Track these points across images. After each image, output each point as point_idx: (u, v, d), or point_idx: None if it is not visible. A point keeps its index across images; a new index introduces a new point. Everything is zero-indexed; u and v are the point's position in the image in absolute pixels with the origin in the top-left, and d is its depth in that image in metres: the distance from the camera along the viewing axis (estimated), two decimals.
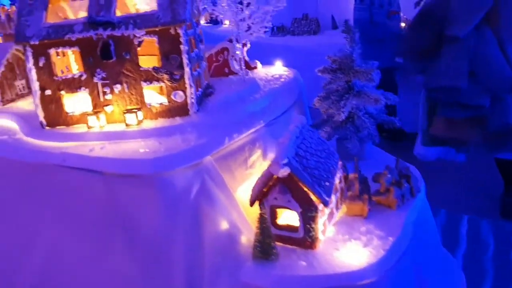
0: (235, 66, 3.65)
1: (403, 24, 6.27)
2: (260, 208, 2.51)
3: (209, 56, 3.70)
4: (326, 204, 2.43)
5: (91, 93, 2.91)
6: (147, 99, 2.92)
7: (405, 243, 2.55)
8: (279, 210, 2.53)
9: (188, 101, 2.89)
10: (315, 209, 2.42)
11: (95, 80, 2.86)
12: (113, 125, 2.92)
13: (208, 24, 11.23)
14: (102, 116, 2.90)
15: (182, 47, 2.78)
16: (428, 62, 4.42)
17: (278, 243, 2.47)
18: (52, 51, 2.85)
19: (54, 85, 2.91)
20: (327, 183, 2.51)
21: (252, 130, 2.89)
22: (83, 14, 3.14)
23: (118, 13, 2.84)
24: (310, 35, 10.12)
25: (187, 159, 2.52)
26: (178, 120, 2.89)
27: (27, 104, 3.57)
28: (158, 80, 2.86)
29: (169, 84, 2.86)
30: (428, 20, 4.50)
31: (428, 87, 4.45)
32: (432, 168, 3.62)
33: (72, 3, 3.23)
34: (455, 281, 3.27)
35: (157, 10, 2.75)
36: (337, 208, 2.71)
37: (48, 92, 2.91)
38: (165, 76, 2.84)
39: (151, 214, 2.50)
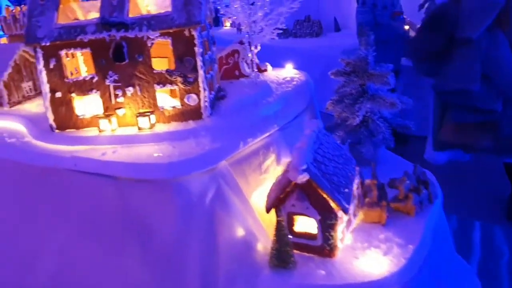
0: (246, 69, 3.59)
1: (406, 27, 6.23)
2: (277, 214, 2.44)
3: (219, 58, 3.64)
4: (346, 211, 2.37)
5: (102, 96, 2.84)
6: (159, 102, 2.86)
7: (425, 251, 2.50)
8: (296, 217, 2.47)
9: (202, 104, 2.83)
10: (335, 216, 2.37)
11: (107, 82, 2.80)
12: (125, 128, 2.86)
13: None
14: (113, 119, 2.83)
15: (196, 49, 2.72)
16: (438, 64, 4.37)
17: (295, 251, 2.41)
18: (63, 53, 2.79)
19: (65, 87, 2.84)
20: (346, 190, 2.46)
21: (266, 134, 2.84)
22: (93, 15, 3.09)
23: (130, 14, 2.78)
24: (312, 37, 10.07)
25: (203, 164, 2.46)
26: (191, 124, 2.83)
27: (34, 106, 3.50)
28: (171, 83, 2.80)
29: (183, 87, 2.81)
30: (438, 22, 4.45)
31: (440, 90, 4.39)
32: (440, 173, 3.57)
33: (82, 4, 3.18)
34: None
35: (171, 11, 2.69)
36: (354, 215, 2.65)
37: (58, 94, 2.85)
38: (179, 79, 2.78)
39: (165, 220, 2.44)
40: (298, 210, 2.41)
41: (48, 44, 2.72)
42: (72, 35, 2.70)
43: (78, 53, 3.01)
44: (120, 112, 2.86)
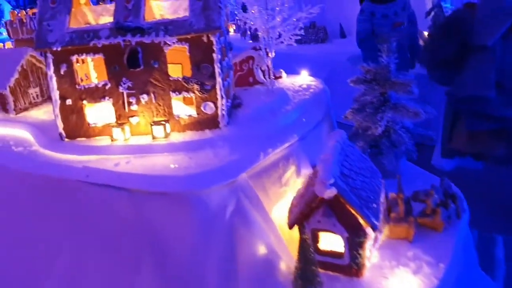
0: (261, 76, 3.47)
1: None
2: (301, 231, 2.31)
3: (233, 65, 3.51)
4: (375, 228, 2.24)
5: (115, 103, 2.72)
6: (175, 111, 2.73)
7: (456, 270, 2.36)
8: (321, 234, 2.33)
9: (219, 113, 2.70)
10: (364, 234, 2.23)
11: (121, 89, 2.67)
12: (139, 137, 2.73)
13: None
14: (126, 128, 2.70)
15: (214, 55, 2.60)
16: (452, 72, 4.28)
17: (319, 270, 2.27)
18: (75, 58, 2.66)
19: (76, 94, 2.72)
20: (374, 205, 2.33)
21: (286, 144, 2.70)
22: (105, 19, 2.97)
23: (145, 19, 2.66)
24: (318, 43, 9.96)
25: (222, 176, 2.33)
26: (207, 133, 2.70)
27: (41, 113, 3.37)
28: (187, 90, 2.67)
29: (199, 95, 2.68)
30: (452, 29, 4.35)
31: (455, 96, 4.29)
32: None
33: (94, 7, 3.05)
34: None
35: (189, 16, 2.57)
36: (380, 231, 2.51)
37: (69, 101, 2.72)
38: (196, 87, 2.65)
39: (182, 235, 2.30)
40: (324, 226, 2.28)
41: (59, 49, 2.59)
42: (85, 40, 2.57)
43: (89, 58, 2.87)
44: (133, 120, 2.73)
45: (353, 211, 2.22)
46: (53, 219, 2.63)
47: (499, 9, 4.16)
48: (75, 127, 2.77)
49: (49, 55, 2.63)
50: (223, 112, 2.69)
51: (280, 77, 3.73)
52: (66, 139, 2.79)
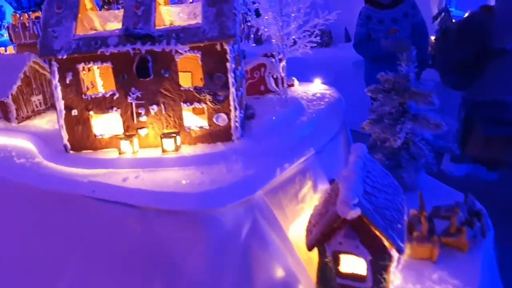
0: (273, 84, 3.34)
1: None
2: (321, 253, 2.18)
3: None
4: (401, 251, 2.10)
5: (123, 114, 2.58)
6: (186, 122, 2.60)
7: None
8: (342, 256, 2.19)
9: (232, 125, 2.57)
10: (389, 257, 2.10)
11: (129, 99, 2.54)
12: (147, 150, 2.60)
13: None
14: (135, 140, 2.57)
15: (228, 65, 2.47)
16: (468, 77, 4.17)
17: None
18: (81, 67, 2.53)
19: (82, 104, 2.58)
20: (399, 226, 2.19)
21: (303, 158, 2.57)
22: (112, 25, 2.85)
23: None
24: (322, 47, 9.82)
25: (238, 194, 2.20)
26: (220, 147, 2.56)
27: (45, 122, 3.24)
28: (199, 101, 2.54)
29: (211, 106, 2.55)
30: (469, 33, 4.23)
31: (471, 101, 4.19)
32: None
33: (101, 13, 2.92)
34: None
35: (202, 23, 2.43)
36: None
37: (74, 112, 2.59)
38: (208, 97, 2.52)
39: (195, 257, 2.17)
40: (346, 248, 2.14)
41: (65, 57, 2.46)
42: (92, 48, 2.44)
43: (94, 66, 2.74)
44: (142, 132, 2.60)
45: (377, 233, 2.09)
46: (57, 235, 2.51)
47: None
48: (81, 139, 2.63)
49: (54, 63, 2.50)
50: (237, 124, 2.56)
51: (292, 85, 3.60)
52: (71, 151, 2.66)
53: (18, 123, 3.24)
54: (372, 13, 4.63)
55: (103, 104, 2.57)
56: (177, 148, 2.53)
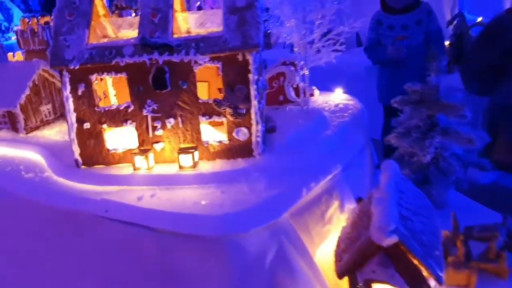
0: (292, 94, 3.18)
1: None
2: (352, 282, 2.02)
3: None
4: (440, 281, 1.93)
5: (138, 128, 2.43)
6: (204, 136, 2.44)
7: None
8: (376, 285, 2.02)
9: (253, 139, 2.41)
10: (426, 287, 1.92)
11: (145, 112, 2.39)
12: (163, 166, 2.44)
13: None
14: (150, 155, 2.42)
15: (250, 76, 2.31)
16: (493, 82, 3.99)
17: None
18: (94, 77, 2.38)
19: (95, 117, 2.44)
20: (437, 252, 2.02)
21: (329, 176, 2.40)
22: (126, 33, 2.70)
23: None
24: (333, 52, 9.62)
25: (262, 217, 2.03)
26: (240, 163, 2.41)
27: (54, 133, 3.10)
28: (219, 114, 2.39)
29: (232, 120, 2.39)
30: (495, 37, 4.05)
31: (499, 106, 4.01)
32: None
33: (114, 19, 2.78)
34: None
35: (223, 32, 2.28)
36: None
37: (86, 125, 2.44)
38: (228, 110, 2.36)
39: (216, 285, 2.01)
40: (380, 277, 1.97)
41: (77, 67, 2.31)
42: (106, 58, 2.29)
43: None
44: (158, 146, 2.45)
45: (415, 261, 1.91)
46: (68, 256, 2.36)
47: None
48: (93, 153, 2.49)
49: (65, 73, 2.36)
50: (258, 139, 2.40)
51: (313, 95, 3.43)
52: (83, 166, 2.51)
53: (27, 133, 3.10)
54: (383, 18, 4.44)
55: (117, 117, 2.42)
56: (195, 164, 2.38)
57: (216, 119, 2.40)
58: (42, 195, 2.44)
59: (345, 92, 3.44)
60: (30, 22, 4.47)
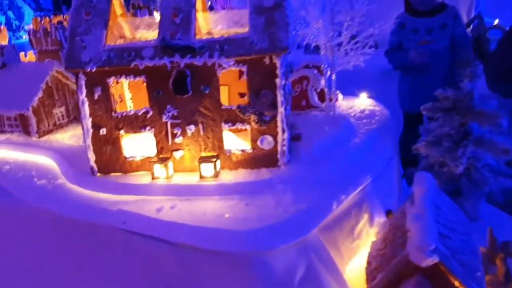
0: (315, 99, 3.04)
1: None
2: None
3: None
4: None
5: (157, 134, 2.31)
6: (226, 145, 2.31)
7: None
8: None
9: (279, 148, 2.27)
10: None
11: (164, 118, 2.26)
12: (182, 175, 2.31)
13: None
14: (170, 163, 2.29)
15: (277, 81, 2.17)
16: None
17: None
18: (111, 81, 2.26)
19: (112, 123, 2.31)
20: (478, 273, 1.87)
21: (360, 188, 2.26)
22: (144, 33, 2.58)
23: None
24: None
25: (291, 233, 1.90)
26: (265, 173, 2.27)
27: (67, 138, 2.98)
28: (242, 121, 2.25)
29: (256, 127, 2.25)
30: None
31: None
32: None
33: (132, 19, 2.65)
34: None
35: (249, 33, 2.14)
36: None
37: (103, 131, 2.32)
38: (253, 117, 2.23)
39: None
40: None
41: (94, 70, 2.19)
42: (124, 60, 2.17)
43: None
44: (177, 154, 2.32)
45: (456, 283, 1.77)
46: (83, 269, 2.23)
47: None
48: (109, 161, 2.36)
49: (81, 76, 2.24)
50: (284, 148, 2.26)
51: (336, 99, 3.28)
52: (98, 174, 2.39)
53: (39, 137, 2.99)
54: (407, 21, 4.21)
55: (135, 123, 2.30)
56: (216, 174, 2.25)
57: (239, 126, 2.26)
58: (55, 203, 2.33)
59: (369, 97, 3.29)
60: (42, 22, 4.38)
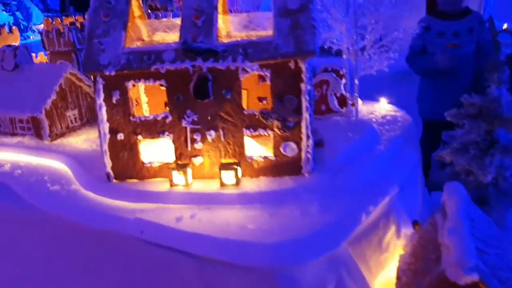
0: (335, 104, 2.95)
1: None
2: None
3: None
4: None
5: (176, 140, 2.22)
6: (247, 151, 2.22)
7: None
8: None
9: (302, 155, 2.18)
10: None
11: (184, 123, 2.18)
12: (201, 182, 2.23)
13: None
14: (189, 170, 2.21)
15: (302, 86, 2.09)
16: None
17: None
18: (130, 85, 2.18)
19: (129, 128, 2.23)
20: None
21: (387, 198, 2.16)
22: (162, 36, 2.49)
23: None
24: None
25: (320, 247, 1.81)
26: (288, 182, 2.18)
27: (81, 141, 2.90)
28: (265, 127, 2.16)
29: (279, 133, 2.17)
30: None
31: None
32: None
33: (150, 21, 2.58)
34: None
35: (274, 36, 2.06)
36: None
37: (120, 136, 2.24)
38: (276, 123, 2.14)
39: None
40: None
41: (113, 73, 2.11)
42: (144, 64, 2.08)
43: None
44: (196, 160, 2.23)
45: None
46: (99, 279, 2.15)
47: None
48: (126, 167, 2.28)
49: (99, 79, 2.15)
50: (308, 156, 2.17)
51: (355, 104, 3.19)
52: (114, 180, 2.31)
53: (51, 140, 2.91)
54: (432, 24, 4.03)
55: (153, 128, 2.22)
56: (238, 182, 2.16)
57: (261, 132, 2.17)
58: (70, 210, 2.25)
59: (389, 103, 3.20)
60: (54, 22, 4.31)
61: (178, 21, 2.62)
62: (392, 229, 2.18)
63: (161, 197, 2.16)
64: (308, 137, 2.16)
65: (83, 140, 2.89)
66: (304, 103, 2.11)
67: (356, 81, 2.59)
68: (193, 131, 2.19)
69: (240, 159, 2.22)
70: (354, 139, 2.45)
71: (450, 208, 1.95)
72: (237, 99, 2.14)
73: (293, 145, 2.18)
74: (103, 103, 2.18)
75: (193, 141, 2.20)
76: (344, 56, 2.61)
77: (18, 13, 12.51)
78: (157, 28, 2.54)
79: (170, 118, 2.19)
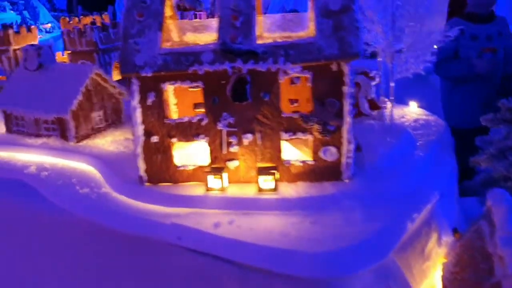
0: (367, 107, 2.89)
1: None
2: None
3: None
4: None
5: (211, 143, 2.17)
6: (284, 155, 2.16)
7: None
8: None
9: (343, 161, 2.12)
10: None
11: (220, 126, 2.12)
12: (236, 186, 2.17)
13: None
14: (224, 174, 2.15)
15: (345, 89, 2.02)
16: None
17: None
18: (166, 86, 2.12)
19: (164, 130, 2.18)
20: None
21: (429, 205, 2.10)
22: (192, 37, 2.43)
23: None
24: (366, 58, 9.27)
25: (369, 256, 1.74)
26: (327, 188, 2.12)
27: (107, 143, 2.84)
28: (304, 131, 2.10)
29: (319, 137, 2.10)
30: None
31: None
32: None
33: (180, 22, 2.52)
34: None
35: (316, 38, 2.00)
36: None
37: (154, 138, 2.18)
38: (316, 127, 2.08)
39: None
40: None
41: (149, 74, 2.05)
42: (183, 65, 2.03)
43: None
44: (232, 164, 2.17)
45: None
46: (131, 284, 2.10)
47: None
48: (160, 170, 2.23)
49: (135, 81, 2.10)
50: (349, 161, 2.11)
51: (385, 108, 3.13)
52: (147, 184, 2.25)
53: (77, 142, 2.86)
54: (464, 27, 3.81)
55: (188, 131, 2.16)
56: (276, 187, 2.10)
57: (300, 136, 2.11)
58: (102, 214, 2.19)
59: (420, 107, 3.13)
60: (71, 22, 4.26)
61: (208, 22, 2.57)
62: (434, 237, 2.12)
63: (196, 202, 2.11)
64: (349, 141, 2.10)
65: (110, 142, 2.84)
66: (346, 107, 2.05)
67: (392, 84, 2.52)
68: (229, 134, 2.13)
69: (277, 163, 2.16)
70: (391, 144, 2.39)
71: (497, 216, 1.88)
72: (275, 102, 2.09)
73: (333, 149, 2.12)
74: (138, 105, 2.13)
75: (229, 144, 2.15)
76: (379, 59, 2.54)
77: (25, 12, 12.48)
78: (187, 28, 2.48)
79: (206, 121, 2.13)
